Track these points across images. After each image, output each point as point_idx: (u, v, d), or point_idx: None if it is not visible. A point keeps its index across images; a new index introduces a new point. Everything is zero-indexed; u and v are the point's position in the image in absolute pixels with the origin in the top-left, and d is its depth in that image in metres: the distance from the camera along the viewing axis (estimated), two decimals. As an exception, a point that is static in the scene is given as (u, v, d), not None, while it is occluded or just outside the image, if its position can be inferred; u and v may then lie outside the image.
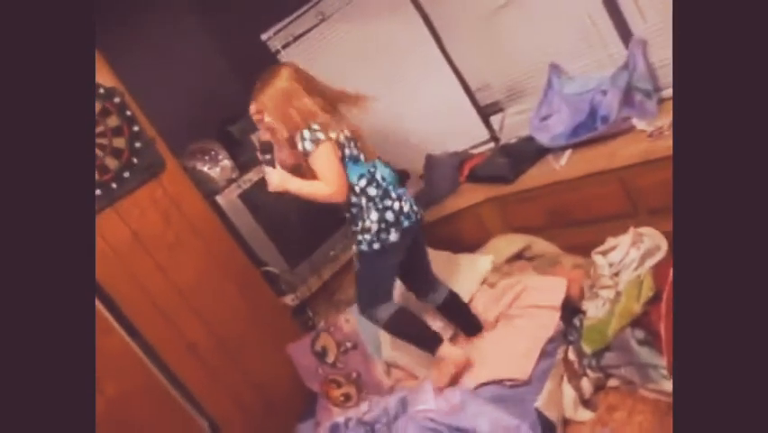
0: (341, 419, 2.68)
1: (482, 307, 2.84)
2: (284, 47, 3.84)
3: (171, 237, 3.09)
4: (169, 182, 3.12)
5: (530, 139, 3.07)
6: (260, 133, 2.58)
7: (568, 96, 2.96)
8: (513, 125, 3.36)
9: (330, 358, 2.99)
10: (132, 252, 2.96)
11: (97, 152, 2.87)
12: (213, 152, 3.42)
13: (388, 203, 2.42)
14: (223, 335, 3.13)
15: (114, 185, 2.92)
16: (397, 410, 2.52)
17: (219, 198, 3.29)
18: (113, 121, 2.91)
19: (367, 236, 2.41)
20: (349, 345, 2.94)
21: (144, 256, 2.99)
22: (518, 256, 3.07)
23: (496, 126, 3.48)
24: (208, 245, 3.19)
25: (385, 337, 2.87)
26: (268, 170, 2.45)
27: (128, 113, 2.95)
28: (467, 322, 2.78)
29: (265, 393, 3.18)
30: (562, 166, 2.83)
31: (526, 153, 3.07)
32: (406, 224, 2.45)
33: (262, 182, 3.36)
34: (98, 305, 2.82)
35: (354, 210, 2.44)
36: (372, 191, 2.41)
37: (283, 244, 3.43)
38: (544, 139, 2.98)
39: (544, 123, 3.03)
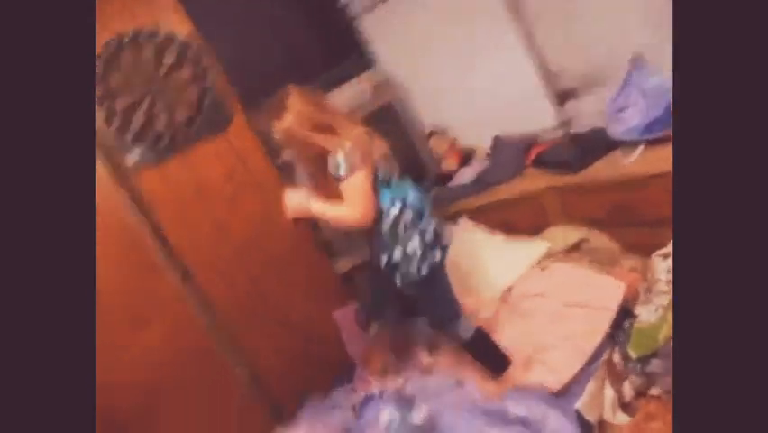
0: (376, 391, 2.70)
1: (528, 287, 2.79)
2: (363, 12, 3.81)
3: (232, 191, 3.15)
4: (235, 137, 3.16)
5: (601, 131, 2.97)
6: (284, 154, 2.47)
7: (647, 90, 2.84)
8: (585, 114, 3.26)
9: (374, 328, 3.00)
10: (192, 200, 3.04)
11: (169, 100, 2.94)
12: (282, 111, 3.42)
13: (425, 224, 2.34)
14: (271, 291, 3.18)
15: (181, 135, 2.99)
16: (435, 389, 2.53)
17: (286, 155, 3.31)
18: (186, 71, 2.96)
19: (414, 263, 2.29)
20: (394, 317, 2.94)
21: (204, 206, 3.06)
22: (575, 248, 3.01)
23: (568, 114, 3.39)
24: (267, 203, 3.22)
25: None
26: (287, 195, 2.43)
27: (202, 64, 2.99)
28: (492, 358, 2.56)
29: (307, 353, 3.24)
30: (631, 162, 2.74)
31: (596, 144, 2.99)
32: (446, 241, 2.41)
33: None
34: (154, 245, 2.93)
35: (390, 238, 2.30)
36: (408, 215, 2.30)
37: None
38: (616, 131, 2.88)
39: (618, 114, 2.92)
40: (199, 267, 3.03)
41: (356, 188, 2.21)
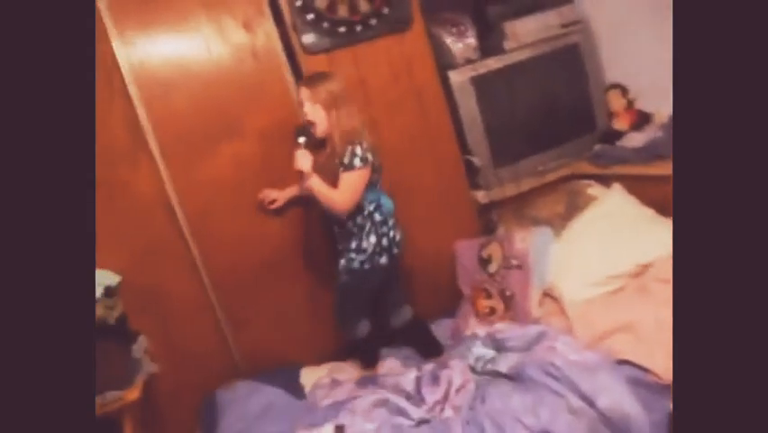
0: (475, 329, 2.69)
1: (664, 272, 2.59)
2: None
3: (393, 95, 3.15)
4: (409, 41, 3.14)
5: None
6: (304, 116, 2.59)
7: None
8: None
9: (492, 268, 2.96)
10: (353, 95, 3.03)
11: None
12: (462, 27, 3.34)
13: (386, 230, 2.62)
14: (406, 203, 3.18)
15: (358, 28, 3.01)
16: (530, 342, 2.47)
17: (452, 74, 3.25)
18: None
19: (361, 256, 2.59)
20: (515, 262, 2.87)
21: (362, 104, 3.07)
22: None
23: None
24: (424, 115, 3.21)
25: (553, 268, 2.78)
26: (300, 152, 2.52)
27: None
28: (426, 344, 2.92)
29: (422, 272, 3.26)
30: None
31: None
32: (395, 251, 2.66)
33: (499, 72, 3.31)
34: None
35: (355, 230, 2.59)
36: (377, 216, 2.60)
37: (496, 141, 3.36)
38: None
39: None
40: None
41: (355, 182, 2.49)
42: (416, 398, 2.32)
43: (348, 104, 2.57)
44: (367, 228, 2.58)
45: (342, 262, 2.65)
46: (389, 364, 2.78)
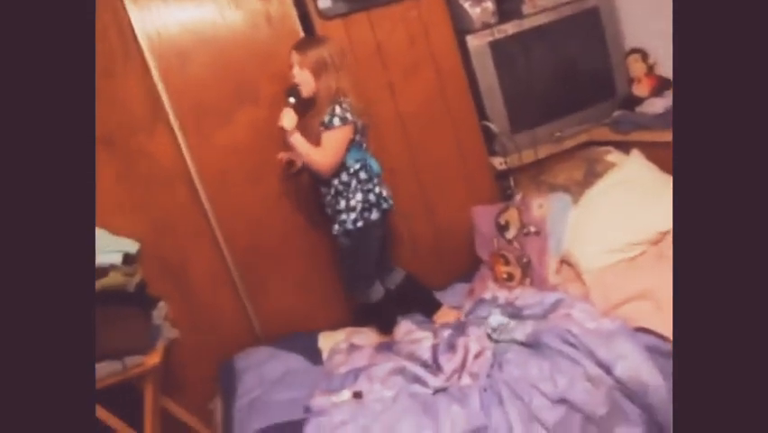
0: (488, 295, 2.69)
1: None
2: None
3: (409, 60, 3.12)
4: (426, 5, 3.11)
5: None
6: (293, 77, 2.64)
7: None
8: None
9: (509, 235, 2.95)
10: (369, 60, 3.05)
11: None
12: (479, -9, 3.28)
13: (371, 186, 2.67)
14: (422, 169, 3.19)
15: (375, -10, 2.95)
16: (549, 307, 2.47)
17: (469, 39, 3.21)
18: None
19: (352, 215, 2.64)
20: (532, 229, 2.86)
21: (379, 69, 3.07)
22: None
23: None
24: (441, 80, 3.18)
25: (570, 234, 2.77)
26: (285, 111, 2.59)
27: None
28: (424, 301, 2.97)
29: (438, 238, 3.27)
30: None
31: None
32: (384, 205, 2.71)
33: (517, 36, 3.26)
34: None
35: (341, 188, 2.65)
36: (363, 175, 2.66)
37: (514, 107, 3.32)
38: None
39: None
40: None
41: (335, 141, 2.57)
42: (433, 366, 2.33)
43: (337, 69, 2.61)
44: (353, 186, 2.64)
45: (336, 226, 2.70)
46: (404, 329, 2.80)
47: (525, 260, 2.83)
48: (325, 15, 2.94)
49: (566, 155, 3.36)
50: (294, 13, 2.91)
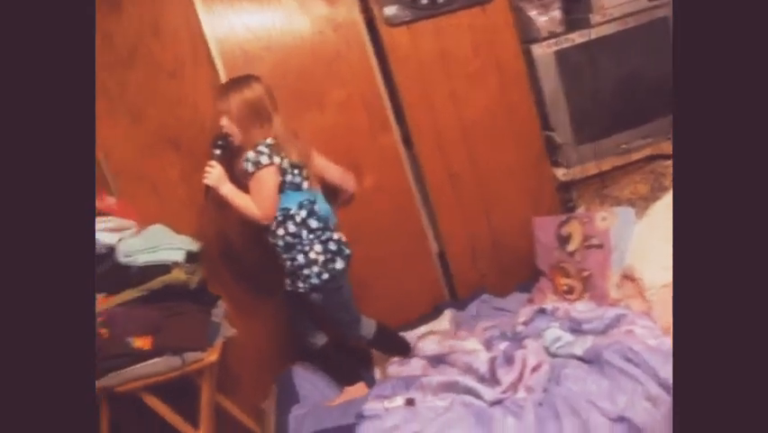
0: (549, 306, 2.64)
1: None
2: None
3: (473, 68, 3.11)
4: (492, 13, 3.08)
5: None
6: (222, 126, 2.49)
7: None
8: None
9: (571, 247, 2.90)
10: (433, 67, 3.05)
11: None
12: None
13: (329, 234, 2.50)
14: (484, 177, 3.17)
15: (440, -1, 2.95)
16: (609, 323, 2.42)
17: (534, 48, 3.17)
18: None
19: (315, 268, 2.46)
20: (595, 242, 2.80)
21: (442, 76, 3.06)
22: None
23: None
24: (505, 88, 3.16)
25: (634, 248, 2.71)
26: (212, 163, 2.44)
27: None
28: (395, 346, 2.81)
29: (498, 247, 3.25)
30: None
31: None
32: (347, 251, 2.54)
33: (584, 46, 3.20)
34: (386, 104, 3.02)
35: (292, 240, 2.46)
36: (314, 223, 2.47)
37: (578, 118, 3.26)
38: None
39: None
40: (422, 136, 3.08)
41: (260, 184, 2.38)
42: (490, 379, 2.31)
43: (268, 111, 2.47)
44: (305, 237, 2.46)
45: (300, 284, 2.50)
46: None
47: (585, 273, 2.78)
48: (391, 22, 2.95)
49: (630, 168, 3.28)
50: (360, 19, 2.94)
